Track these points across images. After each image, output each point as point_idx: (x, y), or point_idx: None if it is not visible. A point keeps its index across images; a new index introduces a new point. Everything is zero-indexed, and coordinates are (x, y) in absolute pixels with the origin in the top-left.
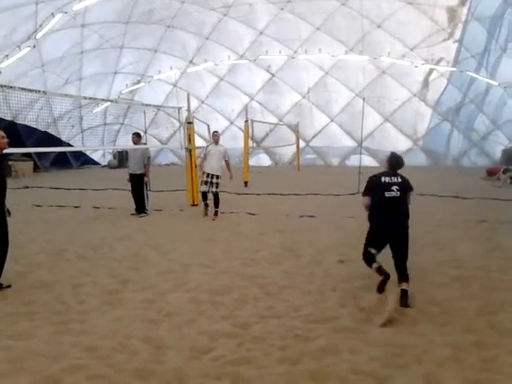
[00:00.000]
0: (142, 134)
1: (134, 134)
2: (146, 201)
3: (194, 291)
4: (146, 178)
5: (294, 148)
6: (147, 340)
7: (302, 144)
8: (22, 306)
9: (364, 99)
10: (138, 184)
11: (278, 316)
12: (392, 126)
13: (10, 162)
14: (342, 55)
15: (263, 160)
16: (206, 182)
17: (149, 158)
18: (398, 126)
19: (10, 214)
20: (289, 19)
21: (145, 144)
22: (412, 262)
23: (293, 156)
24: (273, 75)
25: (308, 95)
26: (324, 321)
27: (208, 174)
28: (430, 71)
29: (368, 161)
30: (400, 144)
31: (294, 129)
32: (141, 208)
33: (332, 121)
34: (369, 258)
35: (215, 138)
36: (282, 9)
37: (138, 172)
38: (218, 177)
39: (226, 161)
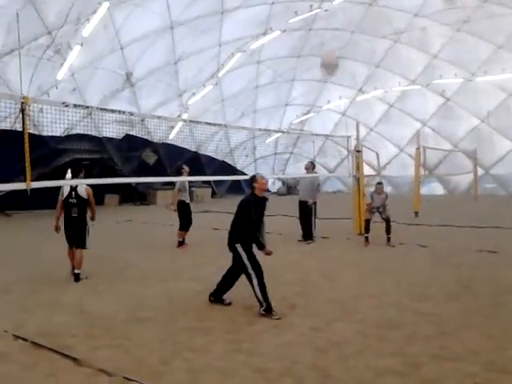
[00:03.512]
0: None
1: (309, 162)
2: (313, 228)
3: (361, 323)
4: (310, 201)
5: (470, 176)
6: (314, 367)
7: (480, 172)
8: (198, 321)
9: None
10: (306, 211)
11: (454, 359)
12: None
13: (192, 188)
14: None
15: (436, 189)
16: (371, 212)
17: (318, 184)
18: None
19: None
20: (465, 40)
21: (315, 173)
22: None
23: (469, 185)
24: (447, 99)
25: (488, 119)
26: (509, 371)
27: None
28: None
29: None
30: None
31: (471, 155)
32: (308, 235)
33: None
34: None
35: (379, 190)
36: (459, 30)
37: (307, 199)
38: (383, 205)
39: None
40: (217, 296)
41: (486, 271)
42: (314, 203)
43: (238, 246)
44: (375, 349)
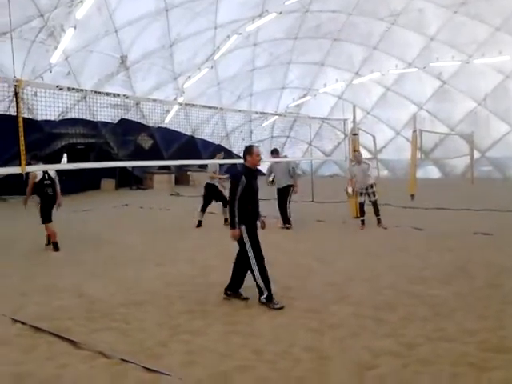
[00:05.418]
0: (279, 149)
1: (273, 149)
2: (286, 213)
3: (357, 305)
4: (295, 188)
5: (467, 159)
6: (310, 349)
7: (476, 155)
8: (196, 304)
9: None
10: (283, 196)
11: (449, 339)
12: None
13: (188, 173)
14: None
15: (432, 172)
16: (361, 193)
17: (293, 168)
18: None
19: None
20: (463, 22)
21: (285, 157)
22: None
23: (466, 168)
24: (444, 82)
25: (484, 102)
26: (503, 350)
27: (361, 187)
28: None
29: None
30: None
31: (468, 139)
32: (285, 220)
33: None
34: None
35: (357, 157)
36: (456, 12)
37: (284, 185)
38: (371, 186)
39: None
40: (233, 290)
41: (481, 253)
42: (292, 187)
43: (243, 227)
44: (371, 330)
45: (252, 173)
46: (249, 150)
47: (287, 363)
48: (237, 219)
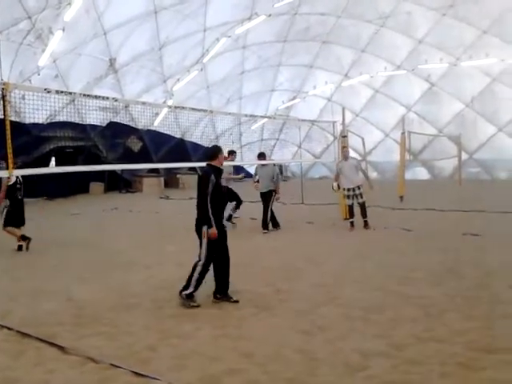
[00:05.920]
0: (266, 153)
1: (260, 154)
2: (267, 218)
3: (346, 306)
4: (277, 195)
5: (455, 161)
6: (300, 351)
7: (464, 156)
8: (185, 308)
9: None
10: (265, 201)
11: (438, 340)
12: None
13: (177, 176)
14: None
15: (421, 173)
16: (348, 196)
17: (277, 174)
18: None
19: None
20: (451, 24)
21: (271, 160)
22: None
23: (454, 169)
24: (432, 85)
25: (472, 104)
26: (491, 350)
27: (349, 189)
28: None
29: None
30: None
31: (456, 140)
32: (264, 224)
33: (500, 131)
34: None
35: (344, 153)
36: (445, 14)
37: (266, 190)
38: (359, 187)
39: (362, 171)
40: (221, 292)
41: (470, 254)
42: (274, 192)
43: (205, 228)
44: (360, 332)
45: (219, 172)
46: (220, 150)
47: (277, 365)
48: (212, 216)
